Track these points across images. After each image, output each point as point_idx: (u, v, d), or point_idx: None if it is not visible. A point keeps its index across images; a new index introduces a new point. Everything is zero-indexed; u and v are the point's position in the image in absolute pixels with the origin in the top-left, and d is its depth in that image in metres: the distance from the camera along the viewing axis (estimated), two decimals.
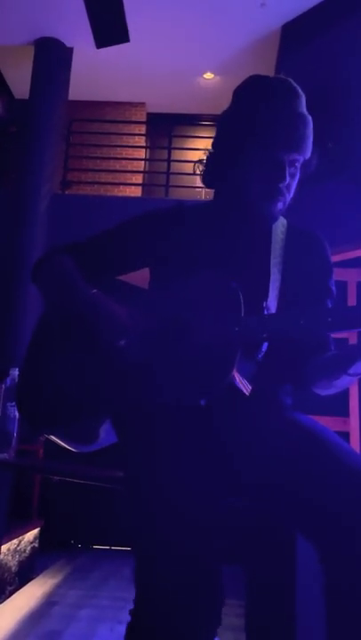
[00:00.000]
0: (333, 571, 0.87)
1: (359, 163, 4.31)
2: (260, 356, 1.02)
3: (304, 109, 1.14)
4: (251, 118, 1.12)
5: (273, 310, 1.08)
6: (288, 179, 1.11)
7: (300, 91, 1.14)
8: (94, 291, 1.09)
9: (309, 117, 1.14)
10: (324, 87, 4.75)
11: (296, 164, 1.12)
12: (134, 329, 1.05)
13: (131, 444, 1.02)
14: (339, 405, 4.01)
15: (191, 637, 0.86)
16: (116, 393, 1.05)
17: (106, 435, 1.09)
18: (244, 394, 0.98)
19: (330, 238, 1.25)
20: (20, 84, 6.14)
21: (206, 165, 1.22)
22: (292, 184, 1.14)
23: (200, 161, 1.23)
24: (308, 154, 1.14)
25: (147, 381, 1.02)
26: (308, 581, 0.99)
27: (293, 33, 5.43)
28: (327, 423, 1.04)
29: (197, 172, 1.24)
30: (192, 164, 1.27)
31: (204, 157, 1.23)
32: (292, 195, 1.15)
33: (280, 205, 1.14)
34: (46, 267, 1.19)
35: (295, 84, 1.15)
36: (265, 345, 1.02)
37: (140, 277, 1.25)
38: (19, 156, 5.59)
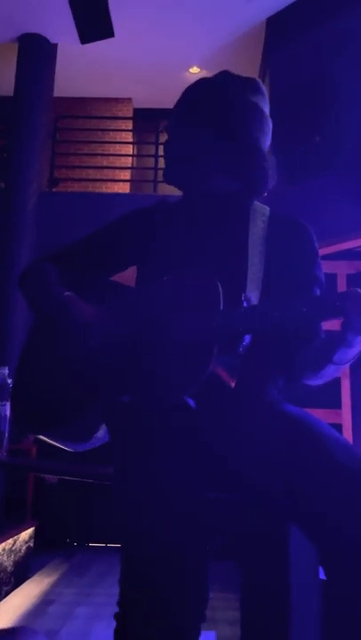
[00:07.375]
0: (333, 572, 0.87)
1: (347, 156, 4.32)
2: (241, 349, 1.00)
3: (247, 94, 1.16)
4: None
5: (254, 301, 1.05)
6: (195, 151, 1.14)
7: (252, 82, 1.18)
8: (67, 293, 1.11)
9: (249, 99, 1.15)
10: (311, 81, 4.75)
11: (208, 139, 1.14)
12: (101, 328, 1.07)
13: (118, 441, 1.02)
14: (331, 398, 4.03)
15: (176, 634, 0.86)
16: (97, 392, 1.05)
17: (102, 433, 1.09)
18: (230, 386, 0.97)
19: (319, 231, 1.25)
20: (5, 82, 6.07)
21: None
22: (209, 159, 1.15)
23: None
24: (228, 127, 1.14)
25: (128, 380, 1.02)
26: (301, 576, 0.99)
27: (279, 26, 5.41)
28: (320, 415, 1.03)
29: None
30: None
31: None
32: (215, 170, 1.16)
33: (205, 179, 1.16)
34: (28, 274, 1.22)
35: (253, 83, 1.19)
36: (247, 338, 1.00)
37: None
38: (5, 155, 5.55)
